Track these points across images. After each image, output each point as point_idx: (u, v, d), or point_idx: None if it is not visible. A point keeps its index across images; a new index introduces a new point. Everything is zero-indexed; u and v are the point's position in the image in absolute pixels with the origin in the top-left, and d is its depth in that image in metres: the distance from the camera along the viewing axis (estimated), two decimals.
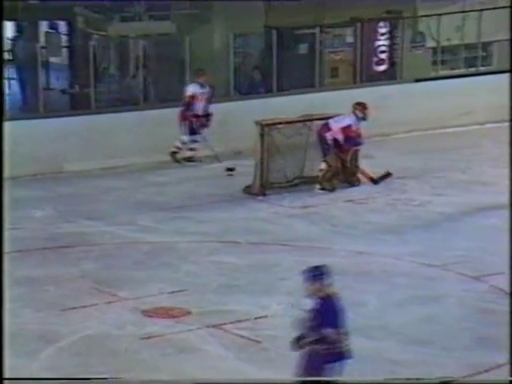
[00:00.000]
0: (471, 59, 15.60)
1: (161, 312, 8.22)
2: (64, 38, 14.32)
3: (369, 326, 7.90)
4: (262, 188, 11.87)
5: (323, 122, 12.02)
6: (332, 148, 11.90)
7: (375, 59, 15.05)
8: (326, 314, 6.04)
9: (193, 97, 12.78)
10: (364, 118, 12.00)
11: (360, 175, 12.12)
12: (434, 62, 15.32)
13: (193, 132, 12.88)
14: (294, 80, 14.43)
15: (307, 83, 14.46)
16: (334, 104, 12.90)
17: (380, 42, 15.02)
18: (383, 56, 15.05)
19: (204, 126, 12.98)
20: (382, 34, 15.01)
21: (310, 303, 6.00)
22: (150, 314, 8.19)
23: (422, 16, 15.14)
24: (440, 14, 14.91)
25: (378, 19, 14.93)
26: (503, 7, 15.38)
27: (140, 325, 7.98)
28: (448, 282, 8.91)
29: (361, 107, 11.99)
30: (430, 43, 15.22)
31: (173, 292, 8.65)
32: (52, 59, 13.95)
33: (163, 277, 9.00)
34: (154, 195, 11.84)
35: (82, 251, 9.77)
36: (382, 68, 15.08)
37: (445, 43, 15.24)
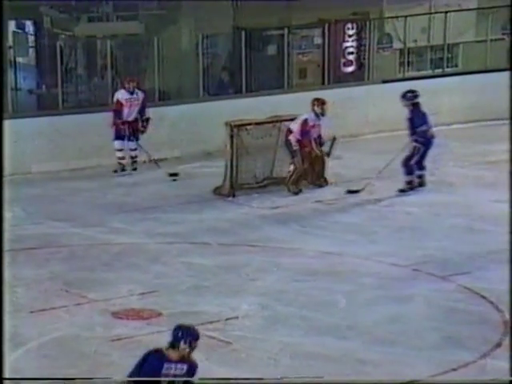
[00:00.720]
0: (437, 60, 15.71)
1: (131, 313, 8.20)
2: (31, 38, 14.22)
3: (337, 326, 7.94)
4: (231, 189, 11.87)
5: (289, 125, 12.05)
6: (298, 150, 11.90)
7: (343, 60, 15.10)
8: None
9: (120, 103, 12.48)
10: (322, 114, 11.98)
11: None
12: (401, 64, 15.41)
13: (122, 138, 12.54)
14: (262, 81, 14.45)
15: (276, 84, 14.49)
16: (303, 105, 12.93)
17: (347, 44, 15.08)
18: (351, 57, 15.11)
19: (138, 131, 12.62)
20: (350, 36, 15.08)
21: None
22: (120, 315, 8.17)
23: (389, 17, 15.22)
24: (406, 16, 15.01)
25: (345, 20, 14.99)
26: (468, 9, 15.55)
27: (110, 326, 7.95)
28: (416, 281, 8.97)
29: (318, 103, 11.97)
30: (397, 45, 15.30)
31: (142, 293, 8.62)
32: (19, 59, 13.84)
33: (133, 278, 8.97)
34: (123, 196, 11.80)
35: (50, 253, 9.72)
36: (350, 69, 15.14)
37: (411, 45, 15.34)
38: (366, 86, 14.77)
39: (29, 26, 14.29)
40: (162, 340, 7.60)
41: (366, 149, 13.75)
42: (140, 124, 12.72)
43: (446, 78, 15.23)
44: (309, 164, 12.04)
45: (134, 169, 12.74)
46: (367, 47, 15.07)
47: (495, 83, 14.40)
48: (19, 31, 14.38)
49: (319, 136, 12.07)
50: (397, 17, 15.14)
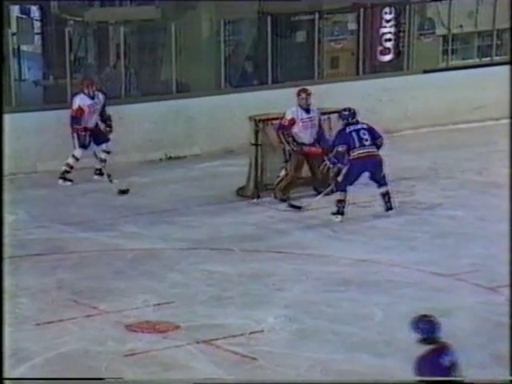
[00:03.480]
0: (485, 48, 15.67)
1: (145, 326, 8.26)
2: (37, 24, 14.33)
3: (373, 342, 7.95)
4: (256, 190, 11.90)
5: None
6: (292, 154, 11.75)
7: (380, 48, 15.10)
8: None
9: (82, 110, 12.26)
10: (307, 105, 11.68)
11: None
12: (445, 52, 15.38)
13: (84, 146, 12.38)
14: (290, 71, 14.48)
15: (305, 74, 14.50)
16: (335, 97, 12.94)
17: (385, 30, 15.08)
18: (388, 45, 15.10)
19: (104, 134, 12.51)
20: (387, 21, 15.07)
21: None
22: (134, 328, 8.23)
23: (432, 0, 15.21)
24: None
25: (382, 4, 14.98)
26: None
27: (123, 340, 8.01)
28: (460, 293, 8.96)
29: (304, 93, 11.73)
30: (440, 31, 15.28)
31: (158, 304, 8.68)
32: (24, 47, 13.96)
33: (147, 288, 9.03)
34: (136, 198, 11.85)
35: (57, 259, 9.79)
36: (387, 58, 15.13)
37: (456, 31, 15.31)
38: (404, 77, 14.77)
39: (34, 10, 14.41)
40: (179, 355, 7.71)
41: (404, 146, 13.74)
42: (103, 126, 12.49)
43: (495, 68, 15.18)
44: (309, 170, 11.89)
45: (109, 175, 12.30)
46: (407, 34, 15.07)
47: None
48: (24, 16, 14.50)
49: (317, 132, 11.77)
50: (440, 0, 15.12)
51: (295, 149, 11.68)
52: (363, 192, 11.91)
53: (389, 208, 11.15)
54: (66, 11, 14.03)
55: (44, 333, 8.13)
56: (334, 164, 11.31)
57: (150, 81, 14.05)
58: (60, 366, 7.57)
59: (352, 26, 14.98)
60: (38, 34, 14.31)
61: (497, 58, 15.57)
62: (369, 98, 12.93)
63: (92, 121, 12.44)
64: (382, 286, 9.12)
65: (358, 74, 14.83)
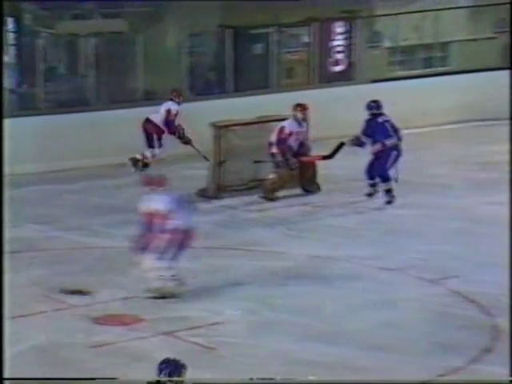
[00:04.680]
0: (429, 59, 15.69)
1: (112, 319, 8.11)
2: (11, 36, 14.12)
3: (327, 332, 7.87)
4: (216, 191, 11.80)
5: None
6: (282, 161, 11.74)
7: (332, 59, 15.07)
8: None
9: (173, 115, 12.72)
10: (304, 120, 11.82)
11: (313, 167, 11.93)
12: (392, 63, 15.39)
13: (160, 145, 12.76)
14: (249, 80, 14.40)
15: (263, 84, 14.44)
16: (290, 105, 12.87)
17: (337, 42, 15.04)
18: (340, 56, 15.07)
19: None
20: (339, 34, 15.04)
21: None
22: (101, 321, 8.07)
23: (380, 15, 15.20)
24: (397, 14, 14.99)
25: (334, 19, 14.95)
26: (461, 7, 15.53)
27: (91, 333, 7.85)
28: (406, 286, 8.92)
29: (300, 108, 11.79)
30: (388, 43, 15.28)
31: (124, 298, 8.53)
32: None
33: (114, 283, 8.88)
34: (105, 199, 11.71)
35: (29, 257, 9.61)
36: (339, 68, 15.11)
37: (402, 43, 15.32)
38: (354, 86, 14.73)
39: (9, 23, 14.18)
40: (144, 346, 7.57)
41: (355, 150, 13.66)
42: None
43: (438, 78, 15.20)
44: (299, 170, 11.91)
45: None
46: (356, 46, 15.04)
47: (487, 82, 14.40)
48: None
49: (302, 143, 11.89)
50: (388, 15, 15.12)
51: (292, 161, 11.67)
52: (316, 193, 11.94)
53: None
54: (39, 23, 13.85)
55: (16, 326, 7.92)
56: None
57: (118, 89, 13.90)
58: (31, 358, 7.41)
59: (307, 39, 14.94)
60: (12, 45, 14.10)
61: (440, 69, 15.61)
62: (321, 105, 12.86)
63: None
64: (335, 280, 9.06)
65: (311, 83, 14.80)
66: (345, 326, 7.98)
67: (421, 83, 14.90)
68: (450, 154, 13.32)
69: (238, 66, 14.39)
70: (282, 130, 11.74)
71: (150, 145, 12.82)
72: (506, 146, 12.65)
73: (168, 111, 12.75)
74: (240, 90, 14.25)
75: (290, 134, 11.73)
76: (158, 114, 12.83)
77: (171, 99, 12.80)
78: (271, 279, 9.07)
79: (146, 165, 12.85)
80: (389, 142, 11.48)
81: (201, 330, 7.84)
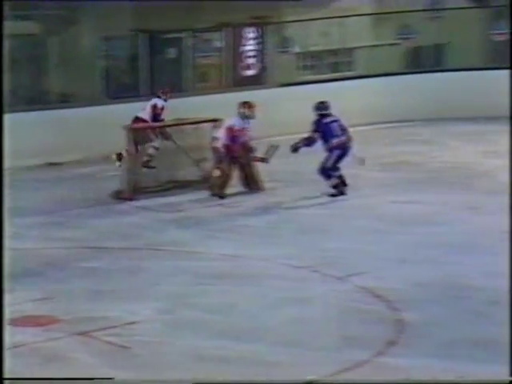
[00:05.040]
0: (336, 64, 15.88)
1: (28, 320, 7.94)
2: None
3: (241, 329, 7.86)
4: (132, 193, 11.69)
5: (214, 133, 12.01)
6: (225, 155, 11.78)
7: (243, 64, 15.11)
8: None
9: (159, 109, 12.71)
10: (251, 117, 11.89)
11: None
12: (301, 67, 15.52)
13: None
14: (164, 84, 14.31)
15: (177, 87, 14.38)
16: (204, 108, 12.87)
17: (248, 47, 15.09)
18: (251, 61, 15.13)
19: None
20: (250, 39, 15.09)
21: None
22: (17, 322, 7.89)
23: (289, 22, 15.31)
24: (306, 20, 15.13)
25: (245, 24, 15.00)
26: (365, 14, 15.77)
27: (7, 334, 7.66)
28: (315, 283, 8.98)
29: (246, 106, 11.88)
30: (297, 48, 15.40)
31: (40, 300, 8.37)
32: None
33: (30, 284, 8.70)
34: (20, 200, 11.46)
35: None
36: (250, 73, 15.17)
37: (311, 48, 15.46)
38: (265, 90, 14.80)
39: None
40: (59, 347, 7.44)
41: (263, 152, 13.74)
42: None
43: (345, 82, 15.39)
44: (239, 169, 11.92)
45: None
46: (267, 51, 15.12)
47: (391, 86, 14.64)
48: None
49: (246, 141, 11.93)
50: (296, 21, 15.24)
51: (245, 157, 11.73)
52: (232, 194, 11.93)
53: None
54: None
55: None
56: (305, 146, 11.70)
57: (33, 91, 13.66)
58: None
59: (219, 44, 14.95)
60: None
61: (347, 73, 15.81)
62: (234, 108, 12.88)
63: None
64: (250, 278, 9.06)
65: (223, 87, 14.82)
66: (258, 323, 7.99)
67: (329, 87, 15.05)
68: (356, 155, 13.46)
69: (153, 70, 14.30)
70: (231, 127, 11.70)
71: (148, 140, 12.81)
72: (410, 147, 12.91)
73: (154, 106, 12.87)
74: (154, 93, 14.16)
75: (242, 131, 11.77)
76: (144, 111, 12.92)
77: (158, 96, 12.97)
78: (187, 279, 9.02)
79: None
80: (335, 142, 11.59)
81: (116, 330, 7.73)
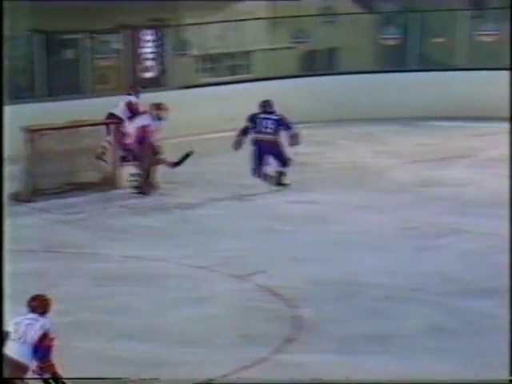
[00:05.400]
0: (234, 67, 15.93)
1: None
2: None
3: (140, 329, 7.81)
4: (30, 194, 11.45)
5: (120, 130, 11.91)
6: (142, 154, 11.74)
7: (143, 66, 14.99)
8: None
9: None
10: (161, 119, 11.90)
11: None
12: (200, 70, 15.51)
13: None
14: (61, 85, 14.07)
15: (75, 89, 14.15)
16: (103, 110, 12.72)
17: (147, 49, 14.98)
18: (150, 63, 15.02)
19: None
20: (149, 42, 14.99)
21: None
22: None
23: (187, 24, 15.27)
24: (204, 23, 15.12)
25: (144, 26, 14.89)
26: (262, 18, 15.89)
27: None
28: (215, 282, 8.99)
29: (158, 107, 11.91)
30: (196, 51, 15.38)
31: None
32: None
33: None
34: None
35: None
36: (150, 75, 15.06)
37: (209, 51, 15.46)
38: (164, 92, 14.71)
39: None
40: None
41: (166, 154, 13.65)
42: None
43: (242, 84, 15.45)
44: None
45: None
46: (166, 53, 15.04)
47: (288, 89, 14.78)
48: None
49: (155, 142, 11.91)
50: (195, 24, 15.21)
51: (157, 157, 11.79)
52: (132, 195, 11.82)
53: (278, 183, 11.86)
54: None
55: None
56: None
57: None
58: None
59: (119, 46, 14.80)
60: None
61: (245, 76, 15.88)
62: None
63: None
64: (150, 279, 9.01)
65: (122, 89, 14.65)
66: (158, 323, 7.95)
67: (227, 89, 15.09)
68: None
69: (50, 71, 14.02)
70: (143, 127, 11.75)
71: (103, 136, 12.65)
72: (307, 148, 13.05)
73: (129, 102, 13.00)
74: (52, 94, 13.89)
75: (152, 132, 11.80)
76: (117, 108, 12.96)
77: (130, 94, 13.10)
78: (86, 281, 8.90)
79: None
80: (253, 137, 11.97)
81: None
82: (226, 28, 15.46)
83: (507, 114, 15.10)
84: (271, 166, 12.07)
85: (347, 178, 12.65)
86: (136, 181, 11.89)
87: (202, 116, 14.62)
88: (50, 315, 6.38)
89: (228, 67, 15.89)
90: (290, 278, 8.93)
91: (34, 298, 6.60)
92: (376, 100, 15.54)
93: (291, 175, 12.35)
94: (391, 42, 16.37)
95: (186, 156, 12.14)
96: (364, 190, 11.95)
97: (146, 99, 14.10)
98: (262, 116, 12.04)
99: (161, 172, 12.14)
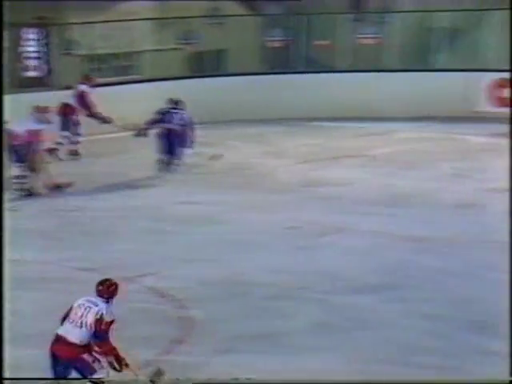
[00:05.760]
0: (121, 68, 15.69)
1: None
2: None
3: (24, 335, 7.55)
4: None
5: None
6: (28, 154, 11.43)
7: (27, 65, 14.57)
8: None
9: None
10: (44, 121, 11.69)
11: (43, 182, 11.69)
12: (87, 70, 15.18)
13: None
14: None
15: None
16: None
17: (32, 48, 14.57)
18: (35, 62, 14.62)
19: None
20: (34, 40, 14.58)
21: None
22: None
23: (73, 23, 14.94)
24: (90, 23, 14.83)
25: (29, 24, 14.47)
26: (149, 18, 15.71)
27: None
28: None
29: (41, 109, 11.72)
30: (82, 51, 15.06)
31: None
32: None
33: None
34: None
35: None
36: (34, 74, 14.66)
37: (96, 51, 15.17)
38: (50, 92, 14.35)
39: None
40: None
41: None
42: None
43: (129, 85, 15.24)
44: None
45: None
46: (52, 53, 14.67)
47: (175, 90, 14.62)
48: None
49: (39, 145, 11.62)
50: (80, 23, 14.89)
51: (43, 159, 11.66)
52: (15, 197, 11.48)
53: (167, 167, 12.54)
54: None
55: None
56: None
57: None
58: None
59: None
60: None
61: (132, 77, 15.68)
62: (15, 112, 12.40)
63: None
64: (34, 282, 8.74)
65: (6, 88, 14.18)
66: (43, 328, 7.69)
67: (114, 90, 14.83)
68: (145, 157, 13.34)
69: None
70: (31, 130, 11.58)
71: (66, 128, 13.09)
72: (195, 149, 12.96)
73: (82, 92, 13.27)
74: None
75: (37, 134, 11.57)
76: (71, 97, 13.16)
77: (83, 83, 13.33)
78: None
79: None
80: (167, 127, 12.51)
81: None
82: (113, 28, 15.20)
83: (390, 115, 15.45)
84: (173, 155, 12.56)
85: (235, 178, 12.63)
86: (22, 183, 11.56)
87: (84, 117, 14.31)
88: (114, 301, 6.39)
89: (116, 67, 15.63)
90: (179, 279, 8.83)
91: (102, 283, 6.54)
92: (263, 101, 15.60)
93: (179, 176, 12.26)
94: (278, 44, 16.48)
95: (66, 185, 11.84)
96: (251, 191, 11.95)
97: (30, 99, 13.77)
98: (172, 111, 12.65)
99: (48, 174, 11.82)
